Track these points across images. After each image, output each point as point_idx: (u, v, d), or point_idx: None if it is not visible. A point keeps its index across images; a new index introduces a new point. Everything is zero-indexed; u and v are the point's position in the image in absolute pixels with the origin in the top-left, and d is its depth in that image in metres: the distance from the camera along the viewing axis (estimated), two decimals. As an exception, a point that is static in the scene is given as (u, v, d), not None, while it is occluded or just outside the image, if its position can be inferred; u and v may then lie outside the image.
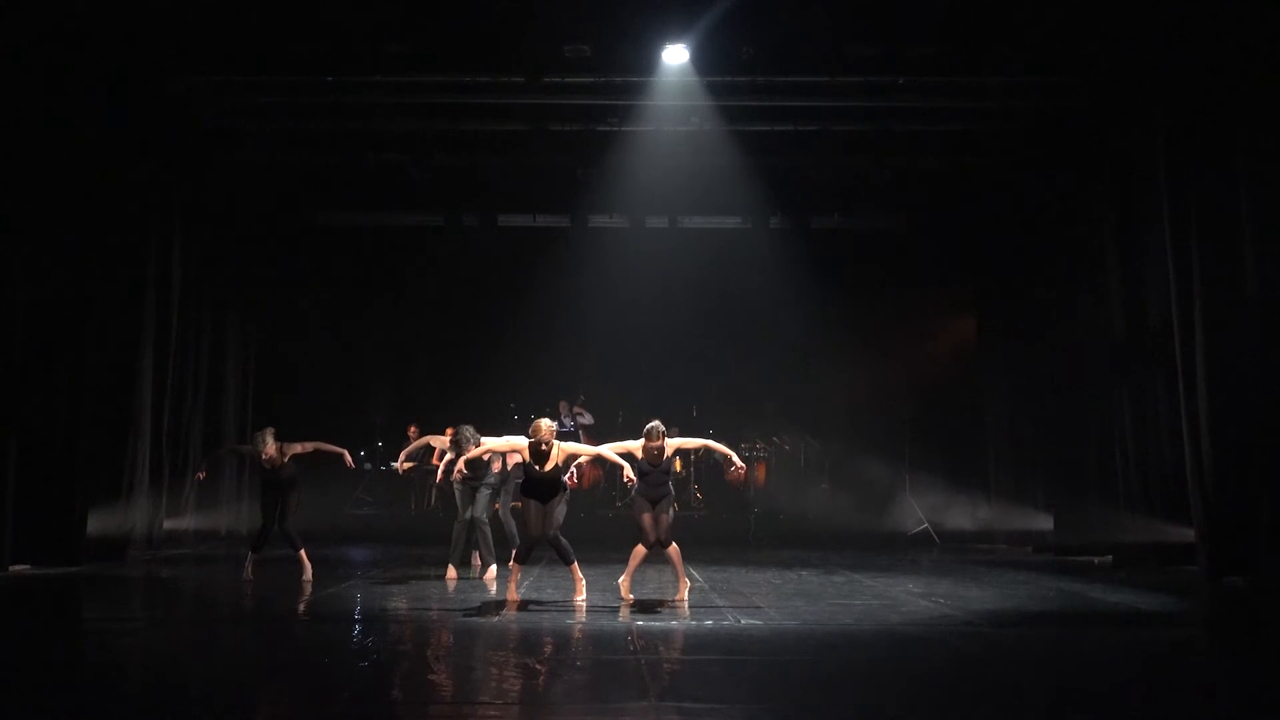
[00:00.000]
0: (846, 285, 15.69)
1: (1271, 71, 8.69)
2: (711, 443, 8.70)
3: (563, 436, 11.09)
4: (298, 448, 9.29)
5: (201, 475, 10.32)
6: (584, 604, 7.88)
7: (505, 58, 10.78)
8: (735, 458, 8.36)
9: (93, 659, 6.17)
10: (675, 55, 10.63)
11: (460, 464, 8.91)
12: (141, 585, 9.51)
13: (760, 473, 16.24)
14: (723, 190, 13.60)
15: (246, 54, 10.69)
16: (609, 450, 8.25)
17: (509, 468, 9.72)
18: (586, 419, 16.42)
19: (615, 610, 7.63)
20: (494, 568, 9.44)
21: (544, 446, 7.93)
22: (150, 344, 11.56)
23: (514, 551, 8.50)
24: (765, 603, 8.00)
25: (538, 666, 5.71)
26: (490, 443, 8.76)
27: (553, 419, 8.72)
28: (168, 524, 12.22)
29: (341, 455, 9.61)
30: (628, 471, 7.99)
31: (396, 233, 15.74)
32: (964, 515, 14.39)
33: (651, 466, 8.03)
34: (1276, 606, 8.22)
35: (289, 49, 10.62)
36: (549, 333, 15.84)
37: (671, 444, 8.12)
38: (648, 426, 8.04)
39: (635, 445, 8.09)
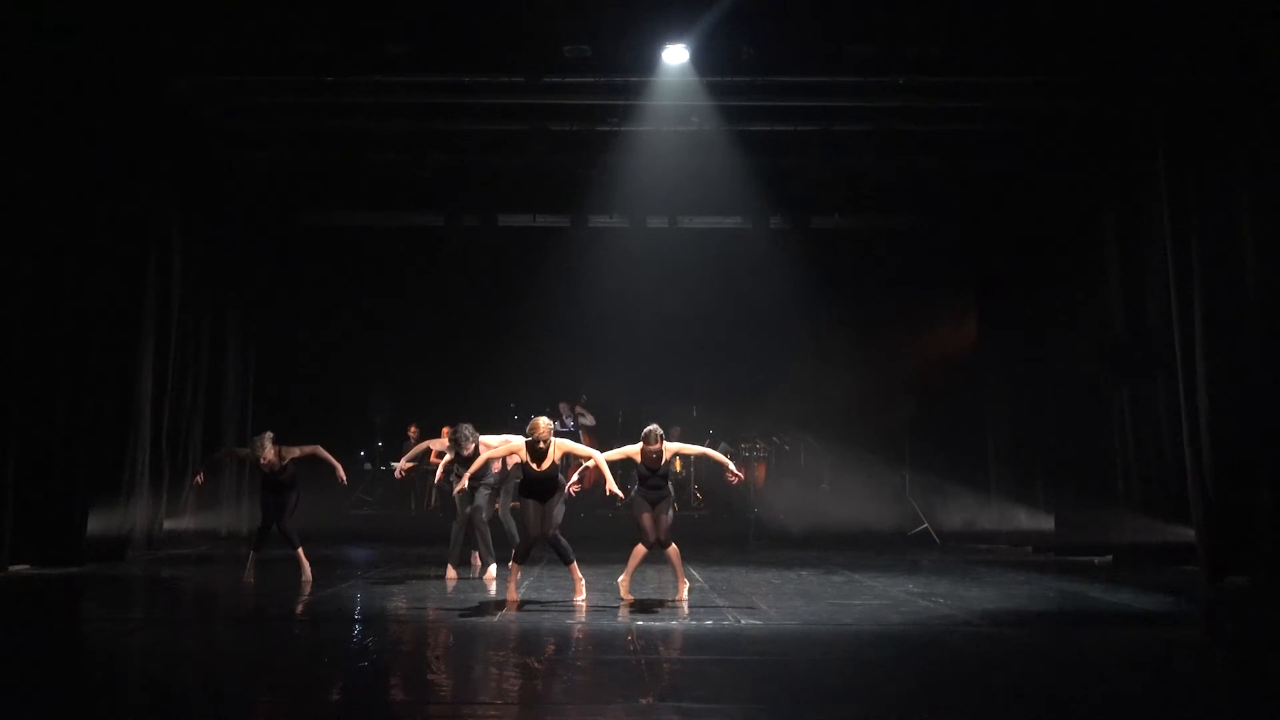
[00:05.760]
0: (846, 285, 15.69)
1: (1272, 72, 8.69)
2: (709, 450, 8.72)
3: (562, 437, 11.06)
4: (296, 452, 9.26)
5: (199, 479, 10.25)
6: (584, 604, 7.89)
7: (505, 58, 10.78)
8: (732, 466, 8.35)
9: (93, 659, 6.16)
10: (675, 55, 10.62)
11: (465, 478, 8.79)
12: (141, 585, 9.50)
13: (760, 473, 16.23)
14: (723, 190, 13.58)
15: (246, 54, 10.69)
16: (603, 458, 8.21)
17: (509, 467, 9.72)
18: (588, 419, 16.42)
19: (615, 610, 7.64)
20: (493, 567, 9.43)
21: (541, 445, 7.94)
22: (150, 344, 11.55)
23: (513, 551, 8.50)
24: (765, 603, 8.00)
25: (537, 666, 5.70)
26: (489, 446, 8.73)
27: (552, 419, 8.68)
28: (168, 524, 12.23)
29: (335, 469, 9.44)
30: (610, 485, 7.97)
31: (396, 233, 15.73)
32: (964, 515, 14.39)
33: (650, 470, 8.05)
34: (1276, 606, 8.22)
35: (289, 49, 10.62)
36: (549, 332, 15.82)
37: (669, 448, 8.12)
38: (645, 430, 8.05)
39: (634, 449, 8.10)
